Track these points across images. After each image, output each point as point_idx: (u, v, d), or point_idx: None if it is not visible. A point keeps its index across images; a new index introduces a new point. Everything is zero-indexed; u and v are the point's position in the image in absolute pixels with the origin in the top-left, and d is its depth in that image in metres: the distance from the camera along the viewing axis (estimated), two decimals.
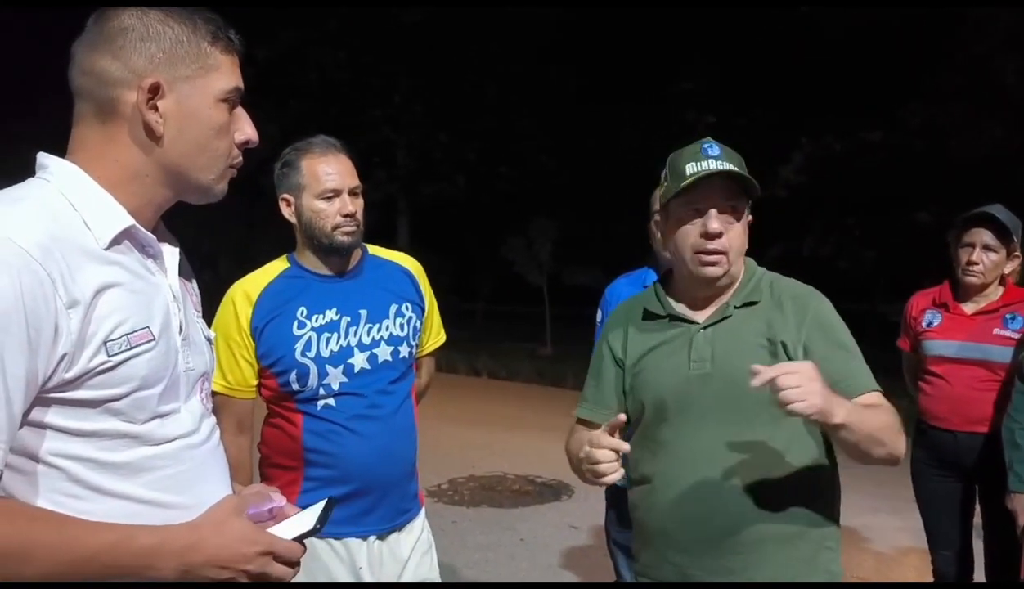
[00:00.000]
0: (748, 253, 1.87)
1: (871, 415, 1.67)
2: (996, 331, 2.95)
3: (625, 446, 1.61)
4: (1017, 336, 2.92)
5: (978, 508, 3.10)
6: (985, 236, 2.96)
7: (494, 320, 19.53)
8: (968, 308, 3.04)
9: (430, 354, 2.47)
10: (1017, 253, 2.98)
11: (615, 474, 1.62)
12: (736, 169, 1.76)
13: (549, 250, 16.10)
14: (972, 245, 2.98)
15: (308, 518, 1.25)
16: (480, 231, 19.70)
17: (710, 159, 1.77)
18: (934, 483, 3.11)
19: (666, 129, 17.50)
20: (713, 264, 1.77)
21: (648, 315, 1.88)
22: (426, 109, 19.10)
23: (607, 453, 1.61)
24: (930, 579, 3.23)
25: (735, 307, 1.81)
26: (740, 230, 1.79)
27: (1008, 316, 2.96)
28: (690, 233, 1.77)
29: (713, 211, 1.75)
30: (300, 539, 1.22)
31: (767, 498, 1.72)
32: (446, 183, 19.32)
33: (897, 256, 14.95)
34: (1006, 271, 3.01)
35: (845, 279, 14.30)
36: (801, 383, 1.51)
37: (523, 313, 18.23)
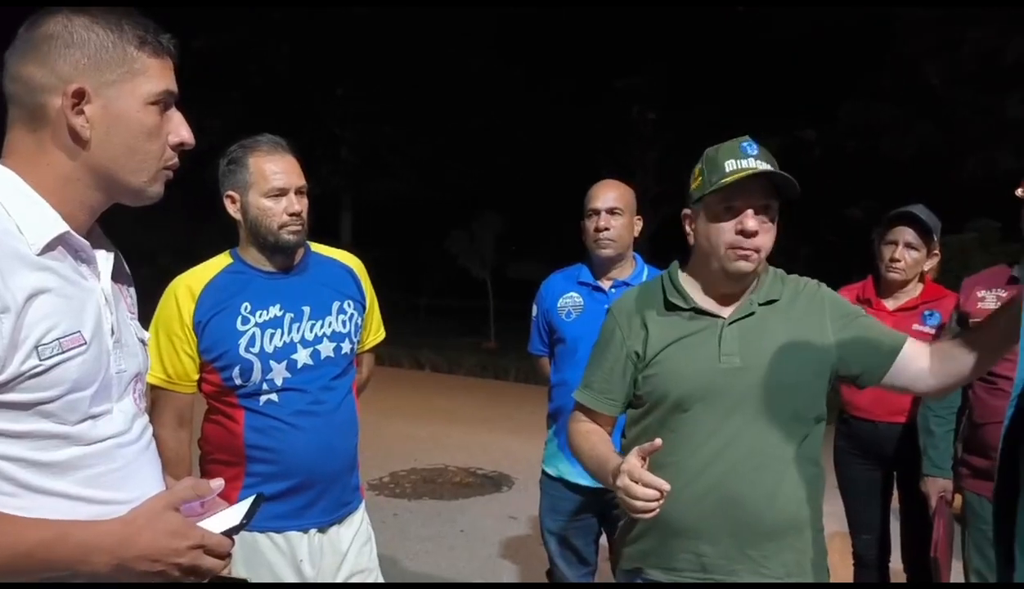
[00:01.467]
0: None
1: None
2: (915, 327, 3.08)
3: (667, 486, 1.56)
4: (934, 332, 3.07)
5: (897, 494, 3.27)
6: (908, 235, 3.10)
7: (438, 314, 19.48)
8: (890, 304, 3.18)
9: (370, 350, 2.51)
10: (936, 252, 3.15)
11: (655, 514, 1.58)
12: (777, 170, 1.79)
13: (492, 244, 16.14)
14: (895, 243, 3.11)
15: (236, 513, 1.29)
16: (424, 225, 19.64)
17: (749, 158, 1.81)
18: (855, 470, 3.26)
19: (608, 124, 17.73)
20: (746, 258, 1.81)
21: (670, 307, 1.90)
22: (370, 103, 18.96)
23: (650, 493, 1.56)
24: (851, 561, 3.39)
25: (759, 304, 1.87)
26: (772, 231, 1.83)
27: (927, 312, 3.13)
28: (725, 229, 1.80)
29: (750, 211, 1.79)
30: (228, 533, 1.26)
31: (787, 489, 1.80)
32: (390, 177, 19.21)
33: (831, 252, 15.37)
34: (926, 269, 3.16)
35: None
36: None
37: (468, 307, 18.22)
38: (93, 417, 1.21)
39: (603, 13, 17.08)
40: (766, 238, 1.81)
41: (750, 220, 1.78)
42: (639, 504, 1.56)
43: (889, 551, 3.29)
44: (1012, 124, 12.60)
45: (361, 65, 18.72)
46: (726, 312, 1.88)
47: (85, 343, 1.19)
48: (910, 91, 13.73)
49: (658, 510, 1.57)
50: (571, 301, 2.99)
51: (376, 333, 2.49)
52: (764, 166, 1.79)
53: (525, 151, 18.81)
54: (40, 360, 1.13)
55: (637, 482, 1.57)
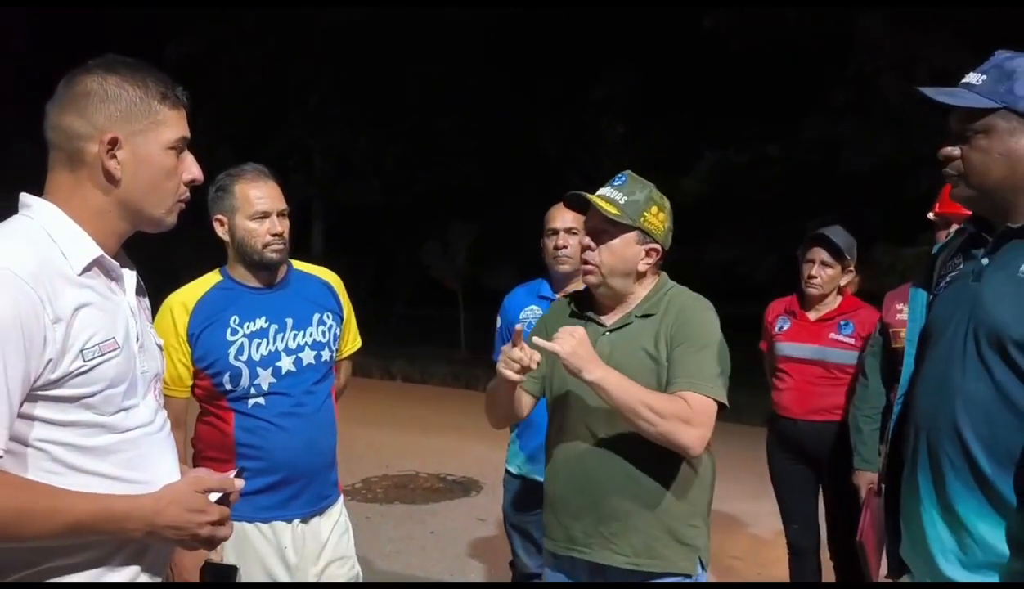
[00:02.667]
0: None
1: (640, 392, 1.98)
2: (832, 335, 3.48)
3: (527, 361, 1.96)
4: (850, 340, 3.45)
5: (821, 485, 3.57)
6: (822, 254, 3.48)
7: (410, 324, 19.62)
8: (812, 315, 3.56)
9: (348, 358, 2.76)
10: (851, 268, 3.51)
11: (509, 373, 1.99)
12: (592, 197, 2.12)
13: (465, 254, 16.35)
14: (812, 261, 3.50)
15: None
16: (397, 234, 19.82)
17: (606, 186, 2.16)
18: (782, 465, 3.59)
19: (578, 137, 18.08)
20: (588, 273, 2.15)
21: (573, 314, 2.24)
22: (343, 112, 19.13)
23: (518, 353, 1.96)
24: None
25: (636, 317, 2.13)
26: (609, 252, 2.12)
27: (842, 322, 3.49)
28: None
29: (587, 229, 2.17)
30: (220, 502, 1.51)
31: (638, 479, 2.08)
32: (363, 186, 19.38)
33: (794, 261, 15.76)
34: (842, 283, 3.54)
35: (746, 283, 15.07)
36: (565, 337, 1.96)
37: (440, 317, 18.38)
38: (125, 409, 1.46)
39: (573, 27, 17.43)
40: (604, 257, 2.12)
41: (584, 237, 2.18)
42: (505, 360, 1.99)
43: (818, 538, 3.60)
44: None
45: (333, 74, 18.90)
46: (609, 322, 2.18)
47: (119, 347, 1.44)
48: (868, 107, 14.20)
49: (510, 376, 1.99)
50: (532, 313, 3.25)
51: (353, 342, 2.75)
52: (604, 192, 2.14)
53: (497, 162, 19.07)
54: (84, 361, 1.38)
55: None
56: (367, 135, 19.18)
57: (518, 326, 2.01)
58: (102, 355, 1.40)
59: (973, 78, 1.68)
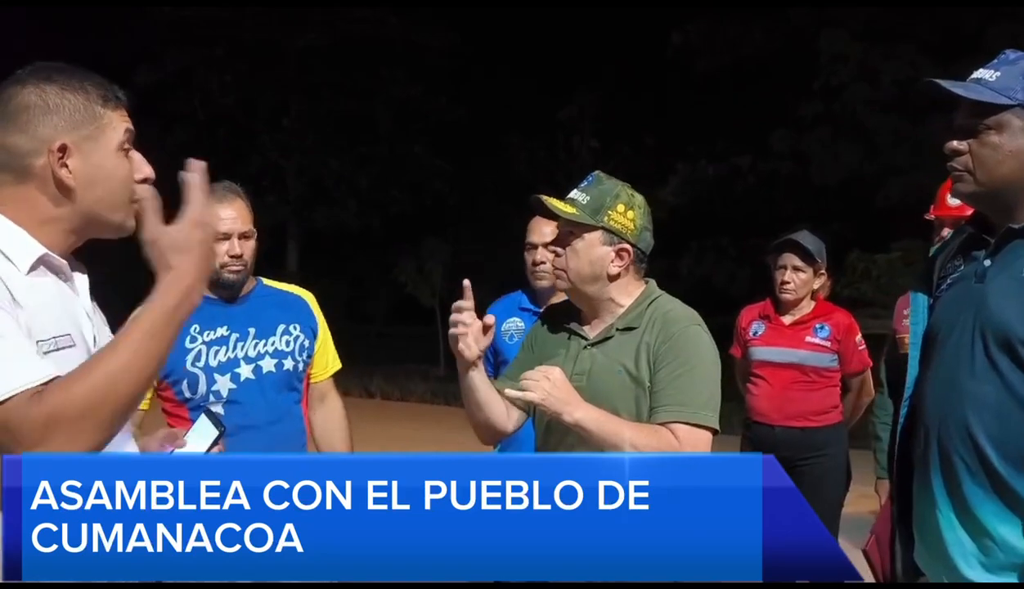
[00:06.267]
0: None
1: (624, 430, 1.82)
2: (808, 339, 3.49)
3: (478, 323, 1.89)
4: (826, 343, 3.47)
5: None
6: (794, 259, 3.50)
7: (388, 343, 19.50)
8: (786, 320, 3.57)
9: (329, 379, 2.67)
10: (823, 272, 3.55)
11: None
12: (547, 199, 1.99)
13: (441, 272, 16.34)
14: (784, 267, 3.52)
15: (205, 430, 1.55)
16: (372, 254, 19.78)
17: (575, 188, 2.01)
18: None
19: (554, 153, 18.20)
20: (558, 278, 2.02)
21: (555, 328, 2.09)
22: (316, 134, 19.12)
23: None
24: None
25: (617, 330, 1.96)
26: (575, 254, 1.96)
27: (817, 326, 3.51)
28: None
29: (554, 232, 2.05)
30: (210, 449, 1.49)
31: None
32: (336, 207, 19.34)
33: (768, 271, 15.89)
34: (815, 287, 3.56)
35: (721, 294, 15.18)
36: (539, 379, 1.81)
37: (417, 335, 18.30)
38: None
39: (546, 45, 17.58)
40: (570, 260, 1.97)
41: (554, 243, 2.06)
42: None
43: None
44: (931, 150, 13.27)
45: (305, 97, 18.90)
46: (591, 335, 2.02)
47: (74, 344, 1.38)
48: (837, 118, 14.43)
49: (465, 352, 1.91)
50: (514, 326, 3.24)
51: (333, 363, 2.68)
52: (572, 196, 2.00)
53: (470, 181, 19.13)
54: (41, 355, 1.30)
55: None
56: (340, 157, 19.15)
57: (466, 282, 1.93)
58: (58, 349, 1.34)
59: (986, 74, 1.64)
